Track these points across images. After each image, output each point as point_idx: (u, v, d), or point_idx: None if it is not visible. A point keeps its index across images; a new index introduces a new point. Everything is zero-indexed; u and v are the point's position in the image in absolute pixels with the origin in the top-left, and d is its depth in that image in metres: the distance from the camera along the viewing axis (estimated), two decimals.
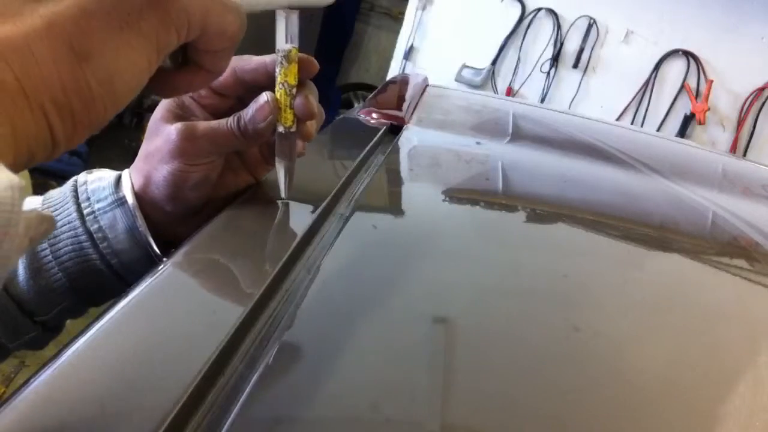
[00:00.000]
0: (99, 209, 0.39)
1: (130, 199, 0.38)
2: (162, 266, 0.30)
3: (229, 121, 0.36)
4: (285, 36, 0.35)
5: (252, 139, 0.36)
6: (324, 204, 0.40)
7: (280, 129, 0.37)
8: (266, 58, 0.37)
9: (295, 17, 0.35)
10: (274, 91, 0.36)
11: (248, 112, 0.36)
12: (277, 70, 0.36)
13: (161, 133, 0.37)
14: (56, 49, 0.22)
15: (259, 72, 0.37)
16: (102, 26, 0.23)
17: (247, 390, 0.23)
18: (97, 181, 0.40)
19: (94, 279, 0.39)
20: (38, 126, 0.22)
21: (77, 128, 0.23)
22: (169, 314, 0.27)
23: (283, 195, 0.40)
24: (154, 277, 0.29)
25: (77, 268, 0.38)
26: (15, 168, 0.21)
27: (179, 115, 0.37)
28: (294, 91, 0.36)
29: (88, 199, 0.39)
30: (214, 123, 0.37)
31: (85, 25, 0.22)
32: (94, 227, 0.38)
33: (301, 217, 0.38)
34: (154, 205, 0.39)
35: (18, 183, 0.17)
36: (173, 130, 0.36)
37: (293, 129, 0.37)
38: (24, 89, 0.21)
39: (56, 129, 0.22)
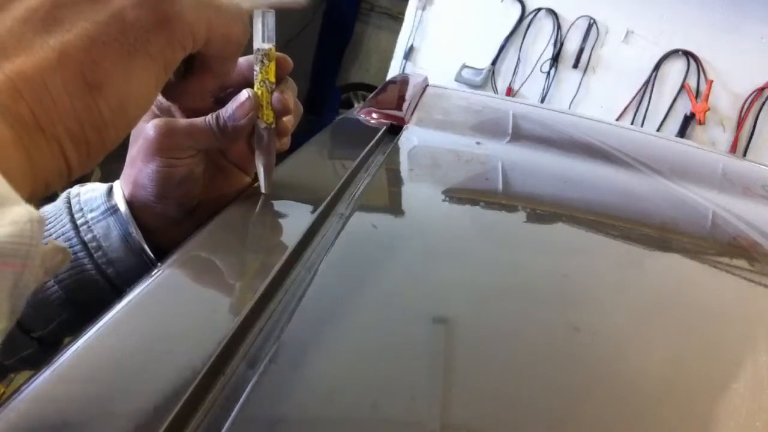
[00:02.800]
0: (92, 219, 0.38)
1: (122, 206, 0.38)
2: (162, 266, 0.30)
3: (208, 119, 0.36)
4: (262, 35, 0.35)
5: (230, 137, 0.37)
6: (324, 204, 0.40)
7: (262, 125, 0.37)
8: (240, 60, 0.37)
9: (271, 17, 0.35)
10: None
11: (227, 109, 0.36)
12: (257, 68, 0.36)
13: (141, 135, 0.37)
14: (69, 80, 0.22)
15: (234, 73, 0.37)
16: (111, 54, 0.23)
17: (247, 390, 0.23)
18: (89, 192, 0.40)
19: (90, 290, 0.39)
20: (54, 156, 0.22)
21: (91, 154, 0.23)
22: (168, 314, 0.27)
23: (263, 190, 0.40)
24: (155, 276, 0.29)
25: (73, 280, 0.38)
26: (32, 197, 0.21)
27: (158, 117, 0.38)
28: (273, 87, 0.37)
29: (81, 209, 0.39)
30: (193, 120, 0.37)
31: (96, 54, 0.23)
32: (88, 237, 0.38)
33: (301, 217, 0.38)
34: (145, 209, 0.39)
35: (37, 216, 0.18)
36: (150, 126, 0.36)
37: (273, 125, 0.38)
38: (39, 122, 0.21)
39: (71, 157, 0.23)
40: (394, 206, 0.48)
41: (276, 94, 0.37)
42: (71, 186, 0.41)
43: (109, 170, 0.38)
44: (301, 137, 0.58)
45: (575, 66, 3.03)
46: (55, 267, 0.21)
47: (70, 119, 0.22)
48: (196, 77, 0.31)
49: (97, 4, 0.23)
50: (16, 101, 0.20)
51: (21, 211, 0.17)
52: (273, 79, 0.36)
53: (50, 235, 0.38)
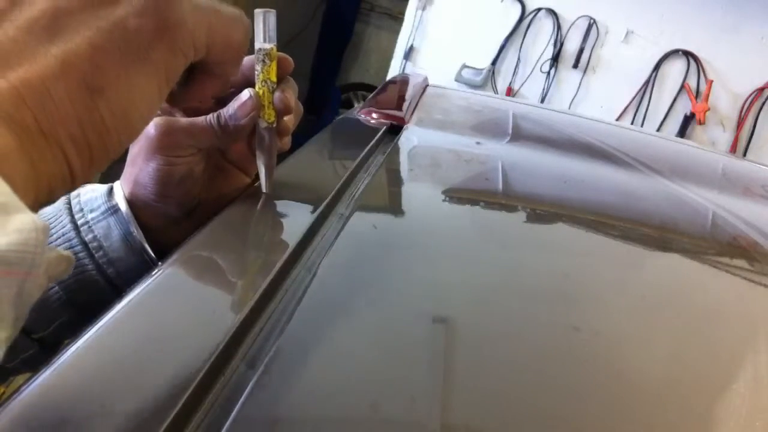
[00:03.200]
0: (93, 219, 0.39)
1: (123, 206, 0.38)
2: (162, 266, 0.30)
3: (209, 118, 0.37)
4: (264, 35, 0.35)
5: (231, 136, 0.37)
6: (324, 204, 0.40)
7: (263, 125, 0.37)
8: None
9: (272, 17, 0.35)
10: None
11: (229, 109, 0.36)
12: (258, 68, 0.36)
13: (142, 134, 0.37)
14: (72, 88, 0.22)
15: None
16: (114, 62, 0.23)
17: (247, 390, 0.23)
18: (89, 192, 0.40)
19: (91, 291, 0.38)
20: (57, 163, 0.22)
21: (94, 161, 0.24)
22: (168, 314, 0.27)
23: (264, 190, 0.40)
24: (154, 276, 0.29)
25: (74, 280, 0.38)
26: (36, 205, 0.22)
27: (159, 116, 0.38)
28: (275, 87, 0.37)
29: (82, 210, 0.39)
30: (194, 119, 0.37)
31: (98, 62, 0.23)
32: (88, 237, 0.38)
33: (301, 217, 0.38)
34: (146, 209, 0.39)
35: (42, 225, 0.18)
36: (151, 125, 0.36)
37: (275, 125, 0.38)
38: (42, 129, 0.21)
39: (74, 165, 0.23)
40: (394, 206, 0.48)
41: (277, 94, 0.37)
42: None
43: (109, 171, 0.38)
44: (301, 137, 0.58)
45: (575, 66, 3.03)
46: (59, 274, 0.21)
47: (73, 126, 0.22)
48: (198, 83, 0.31)
49: (99, 12, 0.23)
50: (20, 109, 0.20)
51: (26, 218, 0.18)
52: (274, 79, 0.37)
53: (51, 236, 0.38)
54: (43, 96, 0.21)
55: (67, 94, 0.22)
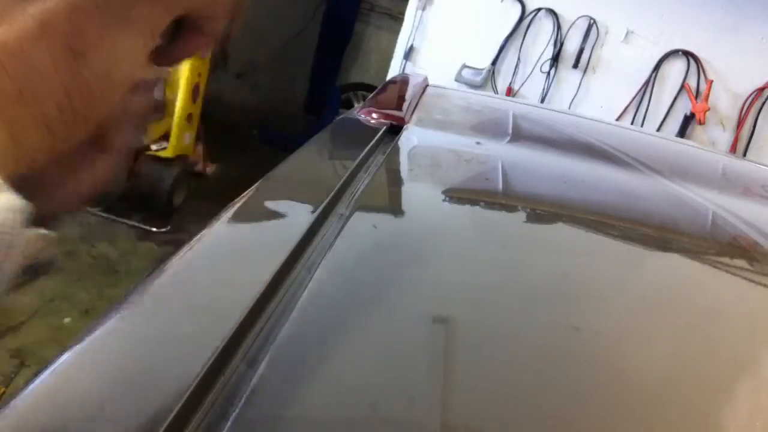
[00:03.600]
0: None
1: None
2: (162, 266, 0.30)
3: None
4: None
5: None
6: (324, 204, 0.40)
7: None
8: None
9: None
10: None
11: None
12: None
13: None
14: (52, 49, 0.21)
15: None
16: (95, 21, 0.22)
17: (247, 390, 0.23)
18: None
19: None
20: (39, 130, 0.21)
21: (78, 125, 0.22)
22: (168, 314, 0.27)
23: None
24: (154, 276, 0.29)
25: None
26: (16, 177, 0.21)
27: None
28: None
29: None
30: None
31: (78, 21, 0.21)
32: None
33: (301, 217, 0.38)
34: None
35: (19, 205, 0.17)
36: None
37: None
38: (23, 95, 0.20)
39: (59, 134, 0.22)
40: (394, 206, 0.48)
41: None
42: None
43: None
44: (301, 137, 0.58)
45: (575, 66, 3.03)
46: (36, 253, 0.20)
47: (56, 90, 0.21)
48: (185, 40, 0.30)
49: None
50: None
51: (3, 198, 0.17)
52: None
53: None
54: (22, 59, 0.20)
55: (48, 57, 0.21)
